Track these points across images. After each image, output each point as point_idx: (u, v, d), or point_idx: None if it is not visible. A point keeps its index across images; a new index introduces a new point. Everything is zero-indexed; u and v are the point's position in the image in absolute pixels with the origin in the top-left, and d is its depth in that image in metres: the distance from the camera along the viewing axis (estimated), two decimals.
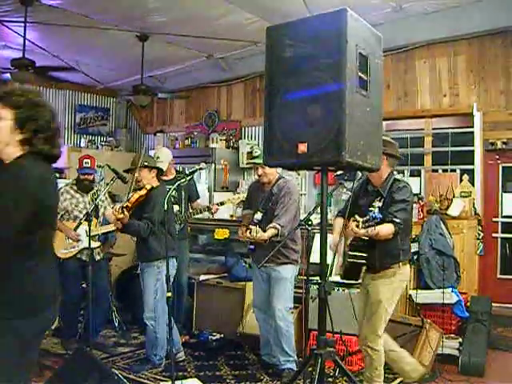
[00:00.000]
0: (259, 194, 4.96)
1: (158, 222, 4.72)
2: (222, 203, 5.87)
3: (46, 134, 2.31)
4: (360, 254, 3.80)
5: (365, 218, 3.46)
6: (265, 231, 4.63)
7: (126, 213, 4.62)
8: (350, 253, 3.83)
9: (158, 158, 5.66)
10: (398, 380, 4.58)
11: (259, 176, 4.89)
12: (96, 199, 5.22)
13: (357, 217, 3.53)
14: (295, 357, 4.73)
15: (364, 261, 3.80)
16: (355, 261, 3.83)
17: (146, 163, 4.95)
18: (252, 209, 5.03)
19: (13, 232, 2.16)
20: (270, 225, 4.63)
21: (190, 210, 5.93)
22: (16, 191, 2.17)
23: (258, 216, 4.85)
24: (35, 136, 2.29)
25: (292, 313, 4.86)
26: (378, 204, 3.79)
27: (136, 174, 4.93)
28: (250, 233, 4.64)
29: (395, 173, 4.15)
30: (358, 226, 3.47)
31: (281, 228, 4.57)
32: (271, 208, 4.78)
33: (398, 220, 3.70)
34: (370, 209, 3.66)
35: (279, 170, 4.90)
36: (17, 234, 2.17)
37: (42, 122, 2.31)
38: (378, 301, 3.88)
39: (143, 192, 4.74)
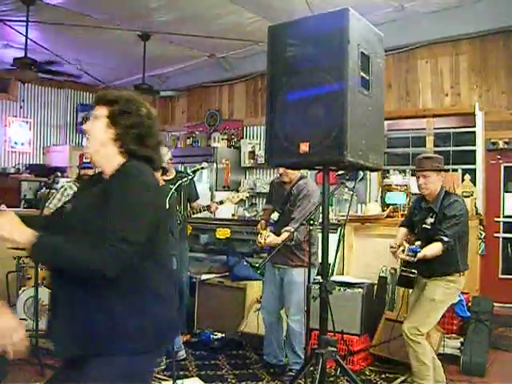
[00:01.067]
0: (279, 192, 4.85)
1: None
2: (221, 202, 5.86)
3: (138, 130, 2.15)
4: (411, 269, 4.03)
5: (409, 247, 3.87)
6: (280, 234, 4.55)
7: None
8: (403, 268, 4.10)
9: None
10: (399, 380, 4.59)
11: (280, 175, 4.84)
12: None
13: (405, 243, 3.97)
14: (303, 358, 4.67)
15: (413, 275, 4.03)
16: (406, 275, 4.07)
17: None
18: (272, 204, 4.99)
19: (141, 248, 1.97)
20: (285, 228, 4.49)
21: (189, 209, 5.93)
22: (138, 197, 2.02)
23: (275, 216, 4.80)
24: (127, 132, 2.13)
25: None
26: (430, 220, 4.05)
27: None
28: (261, 237, 4.61)
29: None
30: (403, 251, 3.88)
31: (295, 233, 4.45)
32: (288, 209, 4.65)
33: (446, 239, 3.83)
34: (424, 226, 4.07)
35: None
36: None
37: (135, 117, 2.15)
38: (431, 299, 3.96)
39: None
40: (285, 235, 4.46)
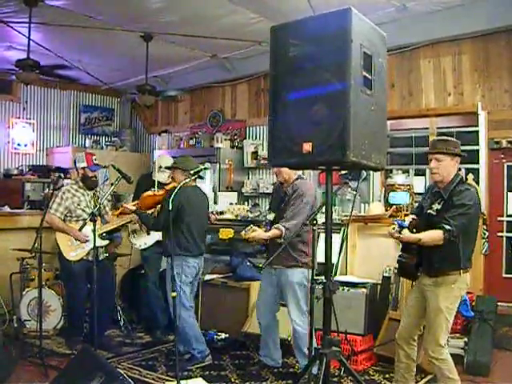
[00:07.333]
0: (278, 193, 4.87)
1: (166, 219, 4.59)
2: (221, 213, 5.90)
3: None
4: (407, 254, 3.79)
5: (397, 220, 3.70)
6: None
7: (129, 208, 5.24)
8: (400, 252, 3.87)
9: (160, 167, 5.78)
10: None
11: (275, 175, 4.86)
12: (100, 198, 5.43)
13: (395, 221, 3.78)
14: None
15: (410, 261, 3.76)
16: (402, 260, 3.83)
17: (175, 165, 5.19)
18: (271, 205, 4.99)
19: None
20: (275, 225, 4.52)
21: None
22: None
23: (270, 216, 4.79)
24: None
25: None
26: (436, 206, 3.75)
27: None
28: (245, 232, 4.54)
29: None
30: (393, 229, 3.69)
31: (285, 230, 4.41)
32: (283, 209, 4.64)
33: (448, 227, 3.53)
34: (429, 211, 3.78)
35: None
36: None
37: None
38: (438, 309, 3.70)
39: (159, 192, 5.23)
40: (273, 232, 4.49)
